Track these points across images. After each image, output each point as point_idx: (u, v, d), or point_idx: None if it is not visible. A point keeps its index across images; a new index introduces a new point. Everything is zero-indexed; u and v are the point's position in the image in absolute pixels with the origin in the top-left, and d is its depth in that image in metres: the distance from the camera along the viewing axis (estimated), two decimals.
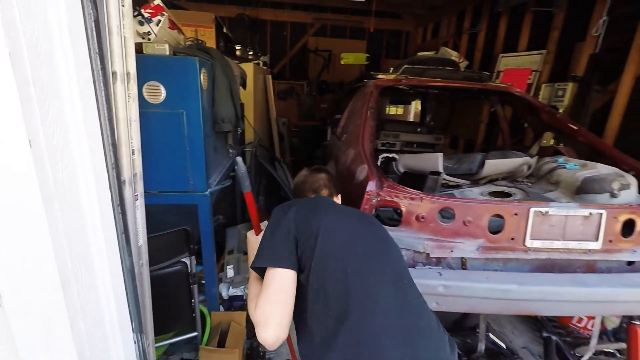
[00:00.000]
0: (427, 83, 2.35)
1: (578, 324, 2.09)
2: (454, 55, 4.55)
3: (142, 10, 1.31)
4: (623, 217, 1.38)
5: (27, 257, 0.53)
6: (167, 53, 1.40)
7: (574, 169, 1.78)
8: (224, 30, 3.70)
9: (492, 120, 4.09)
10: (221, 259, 2.51)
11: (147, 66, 1.39)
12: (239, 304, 2.14)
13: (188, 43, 2.04)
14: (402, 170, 2.08)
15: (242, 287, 2.26)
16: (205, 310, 1.76)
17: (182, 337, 1.61)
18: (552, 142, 2.32)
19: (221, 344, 1.71)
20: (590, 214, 1.35)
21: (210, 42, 2.96)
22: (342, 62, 5.77)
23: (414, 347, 0.69)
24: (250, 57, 4.13)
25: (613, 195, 1.57)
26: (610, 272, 1.47)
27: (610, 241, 1.39)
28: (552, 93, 3.27)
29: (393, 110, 5.07)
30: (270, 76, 4.09)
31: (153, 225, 1.39)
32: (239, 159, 1.07)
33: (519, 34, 3.74)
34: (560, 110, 3.18)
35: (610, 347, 1.85)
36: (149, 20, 1.35)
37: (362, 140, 1.78)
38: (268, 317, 0.70)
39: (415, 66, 2.53)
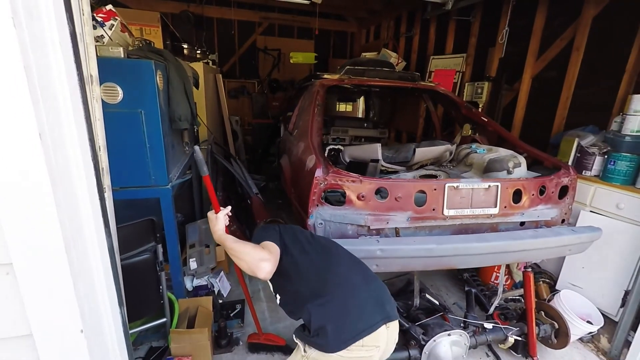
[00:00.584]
0: (366, 82, 2.65)
1: (496, 281, 2.56)
2: (393, 56, 4.99)
3: (95, 15, 1.38)
4: (512, 188, 1.78)
5: (38, 226, 0.66)
6: (122, 56, 1.48)
7: (482, 153, 2.20)
8: (171, 28, 3.67)
9: (429, 115, 4.60)
10: (183, 253, 2.57)
11: (103, 68, 1.46)
12: (203, 292, 2.25)
13: (137, 44, 2.09)
14: (347, 159, 2.36)
15: (206, 277, 2.37)
16: (173, 297, 1.86)
17: (152, 324, 1.70)
18: (469, 132, 2.76)
19: (190, 327, 1.83)
20: (489, 186, 1.74)
21: (157, 41, 2.96)
22: (291, 61, 5.95)
23: (370, 284, 1.17)
24: (198, 55, 4.13)
25: (509, 172, 1.99)
26: (508, 231, 1.88)
27: (505, 207, 1.79)
28: (473, 91, 3.80)
29: (342, 107, 5.40)
30: (220, 75, 4.14)
31: (116, 222, 1.47)
32: (196, 147, 1.23)
33: (446, 38, 4.26)
34: (480, 106, 3.73)
35: (515, 294, 2.31)
36: (102, 24, 1.42)
37: (311, 134, 2.01)
38: (270, 258, 1.08)
39: (357, 67, 2.82)
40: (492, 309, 2.07)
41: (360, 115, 5.15)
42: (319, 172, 1.63)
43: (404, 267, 1.62)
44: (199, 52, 4.19)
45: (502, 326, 1.92)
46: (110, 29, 1.44)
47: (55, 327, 0.74)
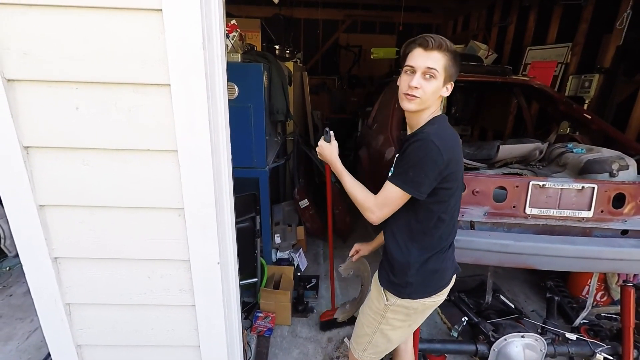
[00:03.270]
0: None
1: (586, 295, 2.32)
2: (482, 48, 4.68)
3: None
4: (613, 192, 1.63)
5: (202, 185, 0.96)
6: (239, 60, 1.83)
7: (581, 153, 2.01)
8: (267, 32, 4.13)
9: (520, 111, 4.22)
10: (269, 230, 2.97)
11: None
12: (285, 263, 2.59)
13: (245, 48, 2.48)
14: None
15: (288, 251, 2.71)
16: (264, 261, 2.22)
17: (248, 281, 2.07)
18: (568, 130, 2.51)
19: (275, 289, 2.17)
20: (583, 187, 1.63)
21: (257, 44, 3.39)
22: (372, 57, 6.03)
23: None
24: (287, 55, 4.55)
25: (612, 175, 1.80)
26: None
27: (602, 211, 1.65)
28: (578, 84, 3.38)
29: None
30: (306, 73, 4.48)
31: None
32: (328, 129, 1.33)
33: (548, 26, 3.84)
34: (587, 101, 3.31)
35: (610, 310, 2.08)
36: (227, 36, 1.78)
37: (391, 127, 2.13)
38: (381, 210, 1.07)
39: None
40: (578, 321, 1.92)
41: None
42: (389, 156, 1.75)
43: (476, 260, 1.64)
44: (287, 51, 4.61)
45: (589, 340, 1.78)
46: (232, 39, 1.80)
47: (204, 256, 1.06)
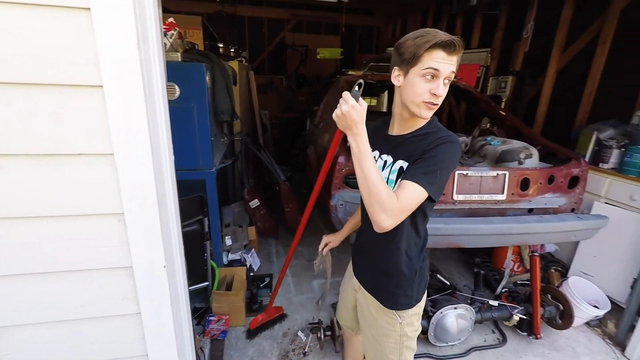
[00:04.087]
0: (388, 78, 2.82)
1: (506, 268, 2.69)
2: None
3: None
4: (520, 177, 1.92)
5: (143, 189, 0.95)
6: (179, 59, 1.79)
7: (497, 145, 2.32)
8: (209, 29, 4.01)
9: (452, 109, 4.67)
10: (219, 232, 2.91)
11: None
12: (237, 264, 2.58)
13: (186, 47, 2.41)
14: None
15: (239, 252, 2.69)
16: (214, 264, 2.18)
17: (198, 286, 2.03)
18: (488, 125, 2.87)
19: (228, 290, 2.15)
20: (497, 174, 1.89)
21: (198, 42, 3.30)
22: (318, 57, 6.17)
23: None
24: (232, 54, 4.46)
25: (520, 163, 2.12)
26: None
27: (512, 194, 1.94)
28: (497, 85, 3.85)
29: (367, 101, 5.54)
30: (252, 72, 4.44)
31: None
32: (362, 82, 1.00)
33: (472, 33, 4.30)
34: (504, 100, 3.78)
35: (524, 278, 2.44)
36: (165, 34, 1.72)
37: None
38: (399, 215, 0.88)
39: (380, 63, 3.00)
40: (499, 289, 2.22)
41: (384, 110, 5.30)
42: (341, 159, 1.86)
43: None
44: (232, 50, 4.52)
45: (507, 304, 2.08)
46: (171, 38, 1.75)
47: (149, 261, 1.04)
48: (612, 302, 2.16)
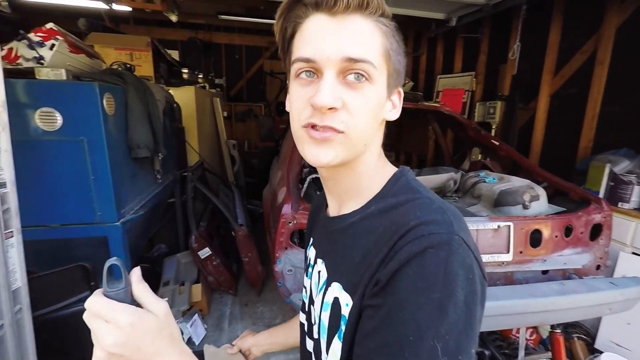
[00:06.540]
0: None
1: (517, 334, 2.14)
2: None
3: (31, 35, 1.23)
4: (529, 229, 1.44)
5: None
6: (64, 78, 1.32)
7: (493, 182, 1.87)
8: (167, 53, 3.63)
9: (438, 137, 4.30)
10: (157, 292, 2.33)
11: (40, 92, 1.30)
12: None
13: (114, 67, 1.96)
14: None
15: (175, 321, 2.09)
16: None
17: None
18: (479, 157, 2.44)
19: None
20: (499, 227, 1.40)
21: (147, 66, 2.88)
22: None
23: None
24: (200, 80, 4.08)
25: (525, 207, 1.65)
26: (527, 282, 1.52)
27: (521, 252, 1.44)
28: (485, 111, 3.50)
29: None
30: (218, 99, 4.03)
31: (62, 262, 1.26)
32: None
33: (454, 56, 4.02)
34: (493, 127, 3.41)
35: (541, 357, 1.89)
36: (40, 44, 1.26)
37: (290, 161, 1.75)
38: None
39: None
40: None
41: None
42: (286, 209, 1.36)
43: None
44: (200, 76, 4.15)
45: None
46: (51, 49, 1.29)
47: None
48: None
